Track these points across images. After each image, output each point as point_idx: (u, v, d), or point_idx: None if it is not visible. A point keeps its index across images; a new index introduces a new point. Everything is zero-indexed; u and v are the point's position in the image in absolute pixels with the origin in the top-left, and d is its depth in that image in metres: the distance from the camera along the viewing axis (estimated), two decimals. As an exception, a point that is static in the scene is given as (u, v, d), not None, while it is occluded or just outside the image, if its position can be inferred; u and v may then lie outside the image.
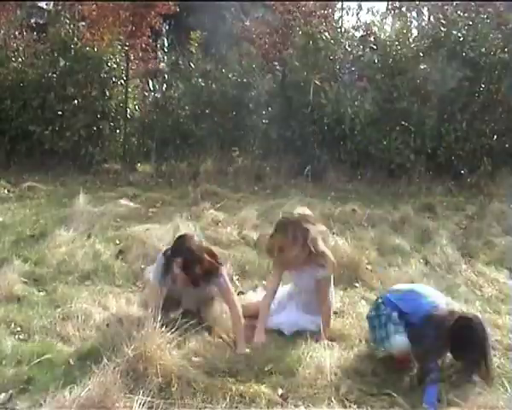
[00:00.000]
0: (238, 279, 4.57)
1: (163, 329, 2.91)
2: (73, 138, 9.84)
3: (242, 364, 3.02)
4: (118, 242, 5.31)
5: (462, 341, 2.81)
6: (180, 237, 3.62)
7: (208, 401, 2.65)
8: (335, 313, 3.83)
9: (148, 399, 2.56)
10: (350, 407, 2.67)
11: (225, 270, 3.63)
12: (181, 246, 3.42)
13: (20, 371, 2.85)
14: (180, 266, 3.34)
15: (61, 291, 4.07)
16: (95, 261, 4.77)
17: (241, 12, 16.70)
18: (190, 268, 3.33)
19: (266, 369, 2.98)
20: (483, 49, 9.64)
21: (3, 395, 2.64)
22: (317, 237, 3.47)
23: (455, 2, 11.89)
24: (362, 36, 13.47)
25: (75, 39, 10.21)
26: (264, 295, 3.65)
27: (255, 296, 3.91)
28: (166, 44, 13.78)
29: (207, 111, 10.34)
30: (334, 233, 5.58)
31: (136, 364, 2.76)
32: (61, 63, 10.24)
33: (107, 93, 10.22)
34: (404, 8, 15.61)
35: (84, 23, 11.27)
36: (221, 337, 3.39)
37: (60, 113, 10.07)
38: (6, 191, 7.99)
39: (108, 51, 10.18)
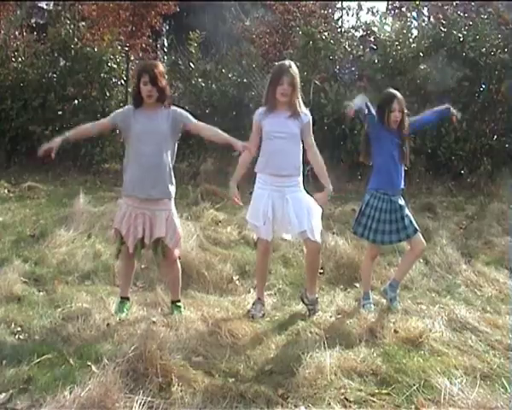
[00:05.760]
0: (238, 279, 4.57)
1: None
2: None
3: (242, 364, 3.03)
4: (118, 242, 5.30)
5: None
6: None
7: (208, 401, 2.65)
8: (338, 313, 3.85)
9: (148, 399, 2.55)
10: (350, 407, 2.66)
11: None
12: (143, 66, 3.79)
13: (20, 371, 2.84)
14: (148, 80, 3.61)
15: (61, 291, 4.08)
16: (95, 261, 4.78)
17: (241, 12, 16.69)
18: (157, 78, 3.65)
19: (266, 369, 2.99)
20: (483, 49, 9.61)
21: (3, 395, 2.64)
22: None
23: (455, 2, 11.90)
24: (362, 36, 13.48)
25: (75, 39, 10.20)
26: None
27: None
28: (166, 44, 13.76)
29: (207, 111, 10.32)
30: (334, 233, 5.59)
31: (136, 364, 2.76)
32: (61, 63, 10.25)
33: (108, 93, 10.20)
34: (404, 8, 15.62)
35: (84, 23, 11.25)
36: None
37: (60, 113, 10.06)
38: (6, 191, 7.99)
39: (108, 51, 10.17)
